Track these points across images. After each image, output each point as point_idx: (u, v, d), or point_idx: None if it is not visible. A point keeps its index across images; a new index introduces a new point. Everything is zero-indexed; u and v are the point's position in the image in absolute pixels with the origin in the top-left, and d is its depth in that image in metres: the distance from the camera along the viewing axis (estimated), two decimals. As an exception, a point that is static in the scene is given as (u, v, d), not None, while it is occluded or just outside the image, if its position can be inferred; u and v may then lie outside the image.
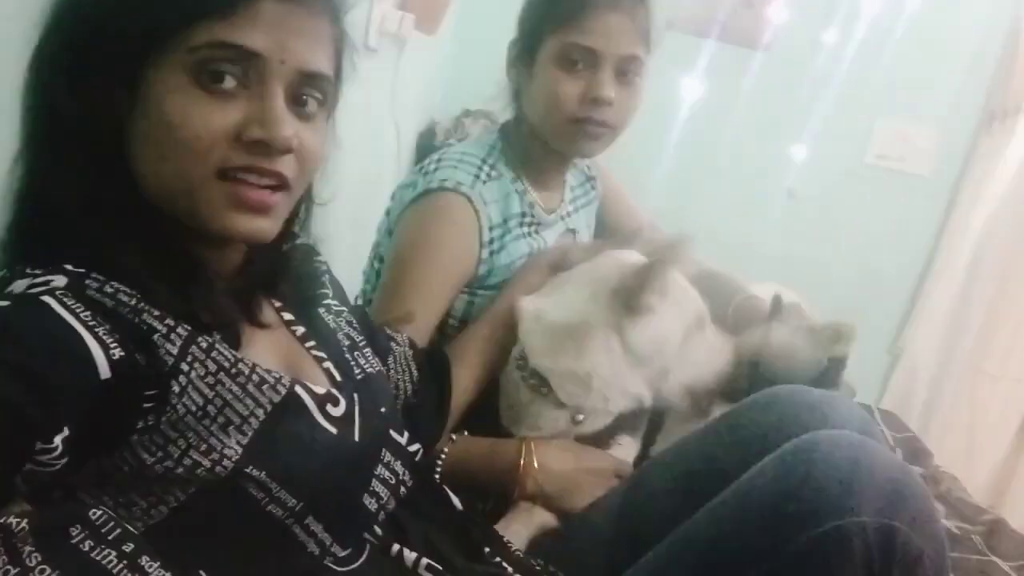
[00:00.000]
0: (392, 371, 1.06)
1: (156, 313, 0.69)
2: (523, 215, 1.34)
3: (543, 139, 1.32)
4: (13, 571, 0.53)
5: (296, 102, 0.73)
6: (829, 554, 0.79)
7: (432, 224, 1.26)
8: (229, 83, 0.69)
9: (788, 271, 2.82)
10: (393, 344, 1.09)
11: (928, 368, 2.78)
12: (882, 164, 2.85)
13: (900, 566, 0.79)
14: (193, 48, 0.67)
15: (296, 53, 0.71)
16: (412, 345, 1.13)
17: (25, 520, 0.54)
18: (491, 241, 1.28)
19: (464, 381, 1.18)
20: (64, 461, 0.62)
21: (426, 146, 2.64)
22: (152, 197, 0.72)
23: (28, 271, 0.68)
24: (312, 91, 0.74)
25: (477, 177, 1.29)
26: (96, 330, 0.64)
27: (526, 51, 1.30)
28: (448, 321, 1.30)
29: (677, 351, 1.16)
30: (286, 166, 0.73)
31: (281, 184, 0.73)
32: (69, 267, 0.68)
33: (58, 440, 0.60)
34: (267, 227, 0.74)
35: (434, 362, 1.14)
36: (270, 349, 0.81)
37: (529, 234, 1.35)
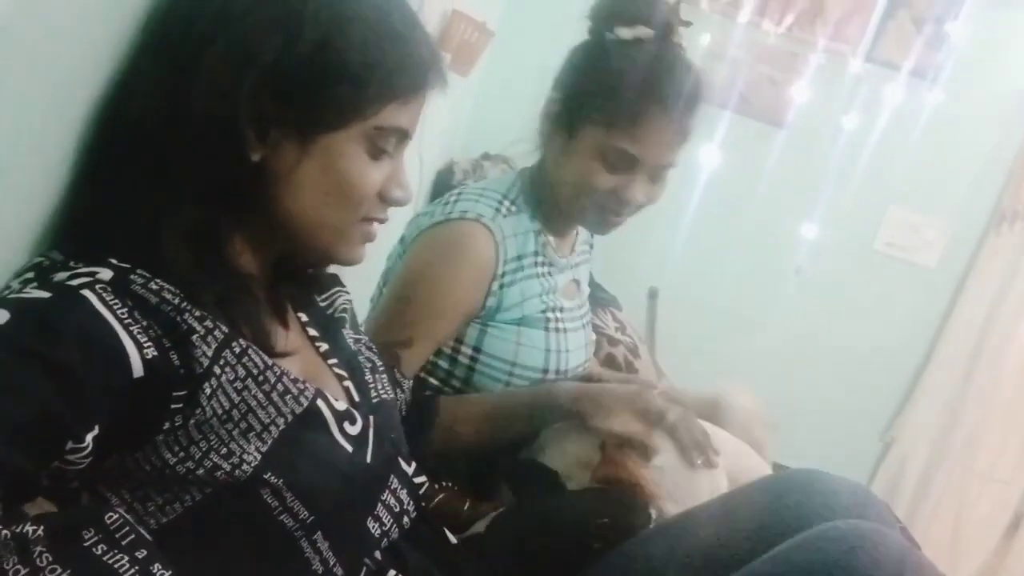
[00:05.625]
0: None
1: (197, 313, 0.70)
2: (536, 254, 1.35)
3: (561, 205, 1.34)
4: (24, 571, 0.52)
5: None
6: None
7: (447, 253, 1.26)
8: (386, 152, 0.79)
9: (788, 347, 2.87)
10: (398, 391, 1.08)
11: (918, 459, 2.77)
12: (890, 252, 2.88)
13: None
14: (380, 127, 0.77)
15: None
16: (413, 392, 1.13)
17: (40, 526, 0.54)
18: (503, 275, 1.28)
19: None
20: (90, 460, 0.61)
21: (443, 183, 2.65)
22: (294, 228, 0.78)
23: (72, 264, 0.67)
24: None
25: (498, 211, 1.30)
26: (131, 328, 0.64)
27: (567, 121, 1.28)
28: (461, 349, 1.30)
29: None
30: None
31: None
32: (114, 260, 0.68)
33: (89, 438, 0.60)
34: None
35: (422, 411, 1.15)
36: (295, 361, 0.82)
37: (541, 274, 1.36)
